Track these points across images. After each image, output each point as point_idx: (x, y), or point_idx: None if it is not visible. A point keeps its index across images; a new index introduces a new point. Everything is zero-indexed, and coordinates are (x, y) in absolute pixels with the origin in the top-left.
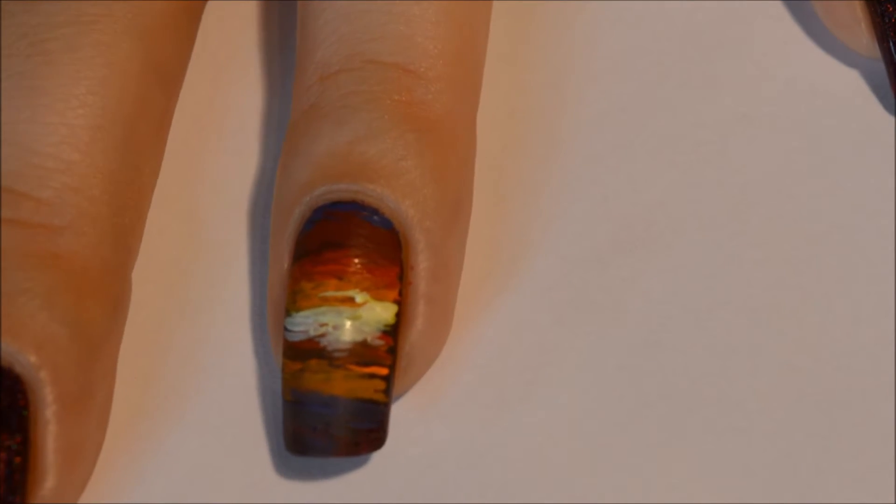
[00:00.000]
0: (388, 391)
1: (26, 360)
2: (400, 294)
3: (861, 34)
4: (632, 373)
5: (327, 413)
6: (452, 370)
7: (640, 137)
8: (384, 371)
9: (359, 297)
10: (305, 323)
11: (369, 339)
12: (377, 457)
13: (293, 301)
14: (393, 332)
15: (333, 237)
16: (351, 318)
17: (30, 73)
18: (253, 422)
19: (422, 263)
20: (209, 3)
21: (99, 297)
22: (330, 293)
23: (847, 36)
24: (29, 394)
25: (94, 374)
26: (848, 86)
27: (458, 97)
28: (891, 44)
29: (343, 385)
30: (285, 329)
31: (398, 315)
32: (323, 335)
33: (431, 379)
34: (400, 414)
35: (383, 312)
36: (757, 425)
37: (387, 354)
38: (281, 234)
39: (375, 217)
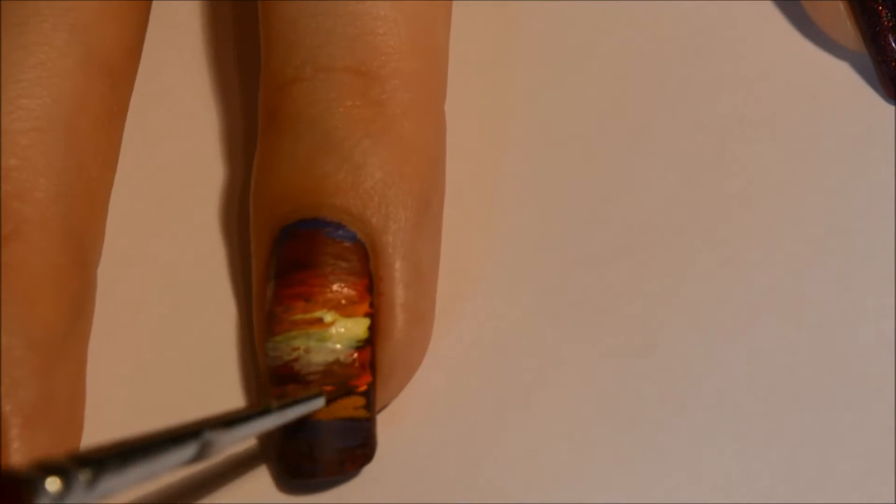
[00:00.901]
0: (368, 406)
1: None
2: (371, 306)
3: (847, 31)
4: (630, 375)
5: (311, 437)
6: (450, 372)
7: (638, 139)
8: (362, 387)
9: (327, 317)
10: (279, 348)
11: (342, 357)
12: (375, 459)
13: (269, 327)
14: (367, 345)
15: (300, 258)
16: (321, 339)
17: None
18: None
19: (392, 271)
20: (191, 3)
21: (53, 301)
22: (298, 316)
23: (832, 31)
24: None
25: (54, 379)
26: (848, 86)
27: (418, 91)
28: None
29: (322, 408)
30: (266, 355)
31: (371, 328)
32: (296, 360)
33: (428, 381)
34: (397, 416)
35: (354, 328)
36: (756, 427)
37: (362, 370)
38: (258, 254)
39: (339, 231)
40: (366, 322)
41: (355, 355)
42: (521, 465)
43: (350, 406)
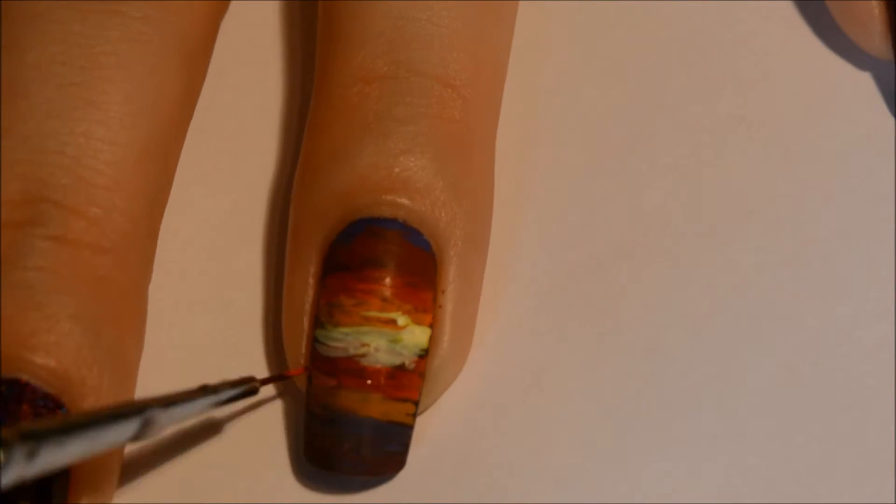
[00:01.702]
0: (415, 414)
1: (73, 389)
2: (433, 317)
3: (876, 33)
4: (631, 377)
5: (360, 433)
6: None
7: (639, 141)
8: (416, 395)
9: (401, 320)
10: (345, 340)
11: (407, 362)
12: None
13: (330, 314)
14: (426, 355)
15: (375, 254)
16: (393, 340)
17: (86, 85)
18: (260, 425)
19: (452, 286)
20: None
21: (133, 323)
22: (373, 313)
23: (860, 34)
24: None
25: (126, 398)
26: (848, 87)
27: (487, 116)
28: None
29: (380, 407)
30: (317, 341)
31: (430, 338)
32: (363, 355)
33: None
34: None
35: (421, 336)
36: (756, 428)
37: (419, 377)
38: (308, 238)
39: (416, 237)
40: (429, 332)
41: (416, 363)
42: (522, 465)
43: (403, 411)
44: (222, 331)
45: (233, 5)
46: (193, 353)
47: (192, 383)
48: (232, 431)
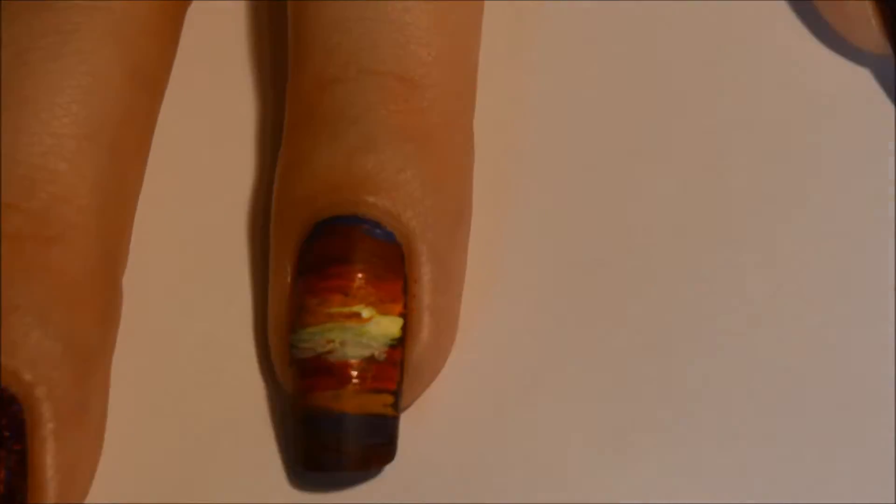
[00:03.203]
0: (396, 405)
1: (22, 378)
2: (405, 307)
3: (870, 29)
4: (630, 377)
5: (338, 430)
6: (452, 374)
7: (640, 142)
8: (392, 385)
9: (365, 312)
10: (312, 340)
11: (376, 353)
12: None
13: (298, 317)
14: (399, 345)
15: (337, 252)
16: (357, 333)
17: (14, 83)
18: (255, 432)
19: (425, 275)
20: (202, 4)
21: (90, 308)
22: (335, 309)
23: (855, 33)
24: (26, 412)
25: (89, 387)
26: (849, 88)
27: (454, 104)
28: None
29: (353, 401)
30: (291, 346)
31: (404, 328)
32: (330, 352)
33: (431, 383)
34: (401, 418)
35: (390, 326)
36: (757, 428)
37: (394, 368)
38: (282, 247)
39: (378, 230)
40: (400, 321)
41: (388, 353)
42: (522, 465)
43: (380, 403)
44: (216, 331)
45: (217, 5)
46: (185, 354)
47: (188, 384)
48: (229, 434)
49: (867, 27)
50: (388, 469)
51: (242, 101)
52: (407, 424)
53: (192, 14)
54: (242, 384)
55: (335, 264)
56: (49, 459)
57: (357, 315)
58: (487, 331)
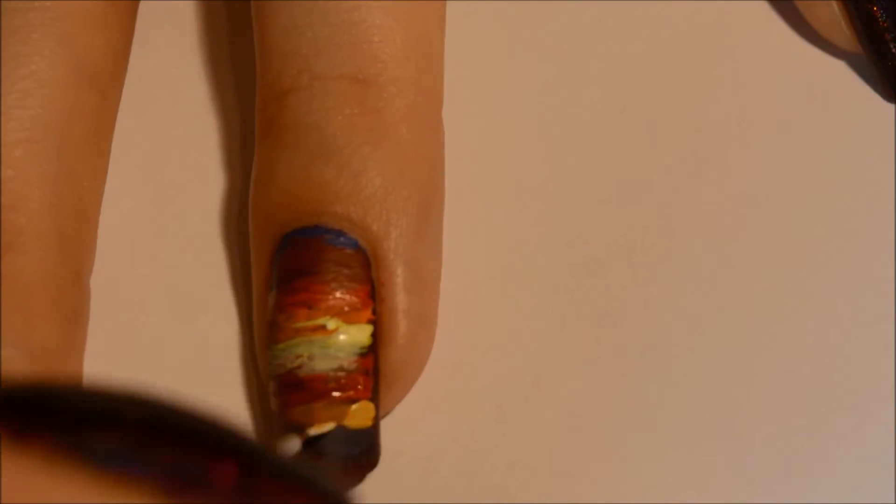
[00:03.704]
0: (373, 413)
1: None
2: (374, 312)
3: (840, 29)
4: (630, 377)
5: (313, 444)
6: (450, 374)
7: (637, 140)
8: (366, 394)
9: (330, 324)
10: (282, 356)
11: (345, 364)
12: None
13: (271, 335)
14: (371, 352)
15: (301, 265)
16: (323, 346)
17: None
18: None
19: (394, 277)
20: (180, 4)
21: (50, 312)
22: (301, 324)
23: (827, 32)
24: None
25: None
26: (847, 86)
27: (415, 97)
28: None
29: (325, 414)
30: (268, 363)
31: (374, 334)
32: (299, 367)
33: (430, 383)
34: (398, 417)
35: (357, 335)
36: (756, 428)
37: (366, 376)
38: (258, 263)
39: (340, 238)
40: (369, 329)
41: (358, 362)
42: (521, 466)
43: (354, 412)
44: (205, 351)
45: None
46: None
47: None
48: None
49: (836, 25)
50: (385, 472)
51: (225, 105)
52: (402, 426)
53: (173, 14)
54: (231, 399)
55: (300, 278)
56: None
57: (322, 327)
58: (488, 331)
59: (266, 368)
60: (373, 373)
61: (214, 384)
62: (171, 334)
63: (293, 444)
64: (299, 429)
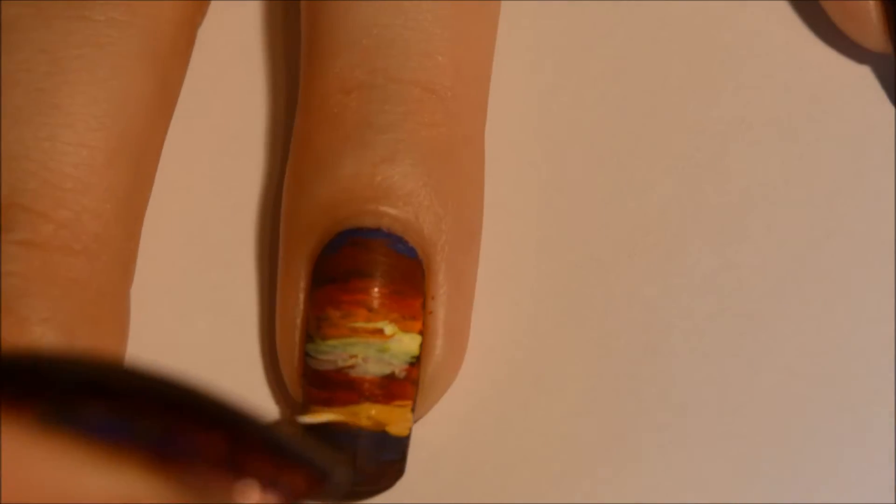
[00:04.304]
0: (410, 422)
1: None
2: (423, 324)
3: (873, 28)
4: (631, 377)
5: (353, 445)
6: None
7: (639, 142)
8: (409, 403)
9: (388, 329)
10: (333, 353)
11: (397, 371)
12: None
13: (318, 328)
14: (417, 362)
15: (360, 265)
16: (380, 350)
17: (50, 90)
18: None
19: (442, 292)
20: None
21: (112, 323)
22: (360, 324)
23: (857, 31)
24: None
25: None
26: (848, 88)
27: (472, 117)
28: None
29: (370, 417)
30: (308, 355)
31: (421, 345)
32: (352, 366)
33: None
34: None
35: (410, 343)
36: (757, 429)
37: (411, 385)
38: (296, 252)
39: (400, 245)
40: (419, 339)
41: (408, 370)
42: (522, 466)
43: (395, 420)
44: (219, 339)
45: (222, 8)
46: (189, 360)
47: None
48: None
49: (869, 24)
50: None
51: (249, 103)
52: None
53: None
54: (248, 391)
55: (359, 277)
56: None
57: (380, 331)
58: (488, 332)
59: (298, 360)
60: (416, 383)
61: (232, 376)
62: (187, 326)
63: (328, 442)
64: (340, 428)
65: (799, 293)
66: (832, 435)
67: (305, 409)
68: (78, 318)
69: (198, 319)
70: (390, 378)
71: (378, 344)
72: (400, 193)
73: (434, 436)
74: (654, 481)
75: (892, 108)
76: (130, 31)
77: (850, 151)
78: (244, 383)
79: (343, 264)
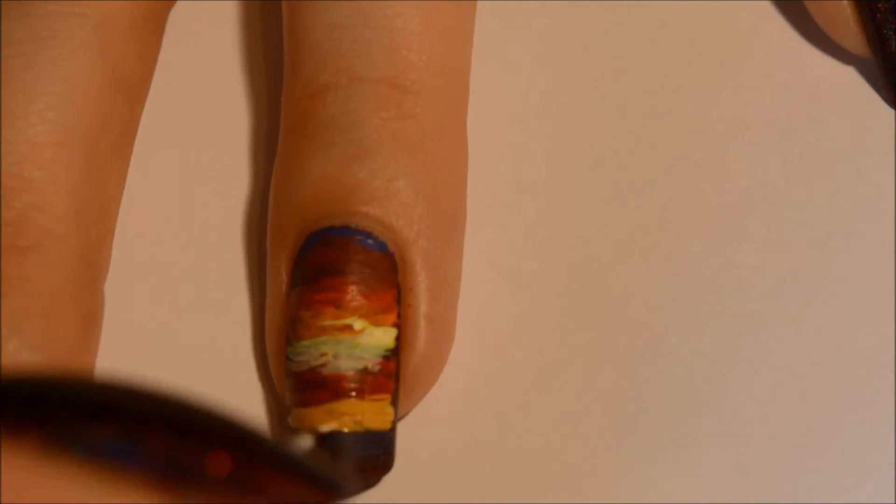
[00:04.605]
0: (392, 416)
1: None
2: (399, 316)
3: (852, 33)
4: (631, 377)
5: (333, 444)
6: (451, 375)
7: (639, 142)
8: (386, 397)
9: (357, 324)
10: (306, 353)
11: (370, 365)
12: None
13: (293, 330)
14: (394, 355)
15: (329, 264)
16: (350, 345)
17: None
18: None
19: (420, 284)
20: (199, 5)
21: (69, 317)
22: (328, 322)
23: (839, 35)
24: None
25: None
26: (849, 89)
27: (446, 108)
28: (881, 44)
29: (347, 414)
30: (287, 359)
31: (398, 338)
32: (323, 365)
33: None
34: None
35: (383, 337)
36: (756, 429)
37: (388, 379)
38: (277, 257)
39: (370, 241)
40: (393, 332)
41: (382, 364)
42: (522, 465)
43: (375, 414)
44: (212, 343)
45: (209, 9)
46: (183, 358)
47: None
48: None
49: (848, 29)
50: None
51: (237, 105)
52: (402, 427)
53: (185, 14)
54: (240, 393)
55: (328, 276)
56: None
57: (349, 327)
58: (488, 331)
59: (282, 365)
60: (394, 376)
61: (227, 383)
62: (182, 333)
63: (309, 442)
64: (317, 427)
65: (799, 293)
66: (832, 435)
67: (288, 414)
68: (27, 314)
69: (190, 323)
70: (364, 373)
71: (348, 340)
72: (368, 189)
73: (434, 435)
74: (654, 481)
75: (883, 106)
76: (71, 21)
77: (850, 151)
78: (239, 387)
79: (313, 264)
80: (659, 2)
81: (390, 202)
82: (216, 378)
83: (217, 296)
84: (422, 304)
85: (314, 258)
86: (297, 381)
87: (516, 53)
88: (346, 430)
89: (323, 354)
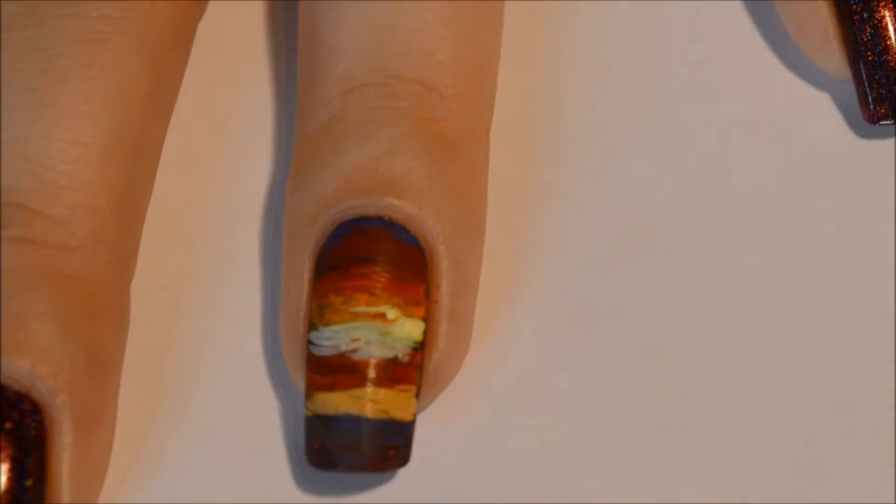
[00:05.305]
0: (415, 408)
1: (44, 385)
2: (426, 311)
3: (833, 54)
4: (631, 377)
5: (357, 429)
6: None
7: (640, 143)
8: (413, 388)
9: (390, 314)
10: (336, 338)
11: (400, 355)
12: None
13: (321, 315)
14: (421, 348)
15: (362, 252)
16: (383, 333)
17: (42, 88)
18: (261, 430)
19: (447, 282)
20: (211, 4)
21: (109, 317)
22: (361, 308)
23: (818, 56)
24: (46, 419)
25: (106, 396)
26: (849, 88)
27: (476, 115)
28: (861, 66)
29: (374, 402)
30: (311, 343)
31: (425, 332)
32: (355, 350)
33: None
34: None
35: (413, 329)
36: (756, 429)
37: (415, 371)
38: (300, 244)
39: (403, 234)
40: (422, 325)
41: (411, 355)
42: (522, 465)
43: (400, 405)
44: (222, 333)
45: (224, 8)
46: (192, 354)
47: (189, 385)
48: (235, 435)
49: (829, 50)
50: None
51: (237, 106)
52: None
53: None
54: (249, 384)
55: (360, 264)
56: (66, 468)
57: (382, 315)
58: (489, 331)
59: (302, 348)
60: (419, 370)
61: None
62: (185, 332)
63: (332, 427)
64: (343, 412)
65: (799, 293)
66: (832, 435)
67: (309, 398)
68: (74, 313)
69: (199, 318)
70: (394, 362)
71: (381, 327)
72: (402, 184)
73: (435, 434)
74: (654, 481)
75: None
76: (124, 26)
77: (851, 152)
78: (245, 380)
79: (345, 252)
80: (659, 2)
81: (424, 199)
82: (223, 368)
83: (225, 288)
84: (446, 301)
85: (345, 246)
86: (323, 366)
87: (517, 53)
88: (372, 417)
89: (355, 340)
